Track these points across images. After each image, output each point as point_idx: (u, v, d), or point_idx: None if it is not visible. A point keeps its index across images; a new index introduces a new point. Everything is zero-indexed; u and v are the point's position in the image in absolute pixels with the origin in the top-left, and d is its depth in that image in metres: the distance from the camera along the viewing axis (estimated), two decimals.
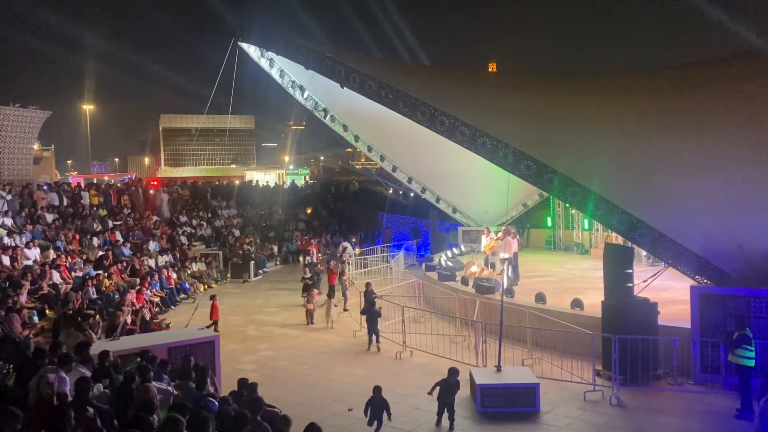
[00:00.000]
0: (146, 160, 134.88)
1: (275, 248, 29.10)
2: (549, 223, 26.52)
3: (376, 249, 26.22)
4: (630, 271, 11.44)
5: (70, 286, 15.80)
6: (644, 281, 12.24)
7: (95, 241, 20.56)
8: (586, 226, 24.31)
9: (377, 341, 14.18)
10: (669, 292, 14.47)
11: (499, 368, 10.90)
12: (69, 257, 17.79)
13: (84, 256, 18.78)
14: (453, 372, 9.62)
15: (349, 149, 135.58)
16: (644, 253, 18.44)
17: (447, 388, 9.55)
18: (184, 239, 25.52)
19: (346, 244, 25.30)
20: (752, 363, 9.73)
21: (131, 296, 15.66)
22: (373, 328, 14.21)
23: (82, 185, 29.01)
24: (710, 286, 11.39)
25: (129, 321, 14.25)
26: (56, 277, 16.13)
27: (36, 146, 34.43)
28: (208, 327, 14.64)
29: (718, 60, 21.81)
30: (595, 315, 12.31)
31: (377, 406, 9.05)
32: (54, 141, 42.18)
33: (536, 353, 12.46)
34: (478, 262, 19.21)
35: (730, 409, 9.77)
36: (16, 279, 14.70)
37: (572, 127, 15.37)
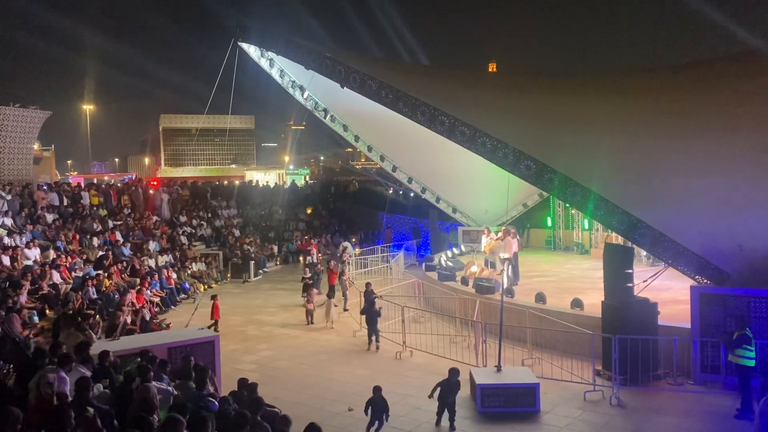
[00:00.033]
0: (146, 160, 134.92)
1: (275, 248, 29.10)
2: (549, 223, 26.52)
3: (376, 249, 26.21)
4: (630, 271, 11.43)
5: (70, 286, 15.80)
6: (644, 281, 12.24)
7: (95, 241, 20.56)
8: (586, 226, 24.31)
9: (377, 341, 14.19)
10: (669, 292, 14.48)
11: (499, 368, 10.90)
12: (69, 257, 17.79)
13: (84, 256, 18.78)
14: (454, 372, 9.61)
15: (349, 149, 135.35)
16: (644, 253, 18.43)
17: (448, 388, 9.54)
18: (184, 239, 25.52)
19: (346, 243, 25.30)
20: (752, 363, 9.73)
21: (131, 296, 15.67)
22: (372, 328, 14.22)
23: (82, 185, 29.00)
24: (710, 286, 11.41)
25: (129, 321, 14.25)
26: (56, 277, 16.13)
27: (36, 146, 34.40)
28: (209, 327, 14.67)
29: (718, 60, 21.82)
30: (595, 315, 12.31)
31: (378, 406, 9.06)
32: (54, 141, 42.17)
33: (536, 353, 12.46)
34: (478, 262, 19.21)
35: (730, 409, 9.77)
36: (16, 279, 14.71)
37: (572, 127, 15.37)
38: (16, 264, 16.40)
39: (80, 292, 15.16)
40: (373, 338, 14.21)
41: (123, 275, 18.53)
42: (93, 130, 72.07)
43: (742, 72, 18.22)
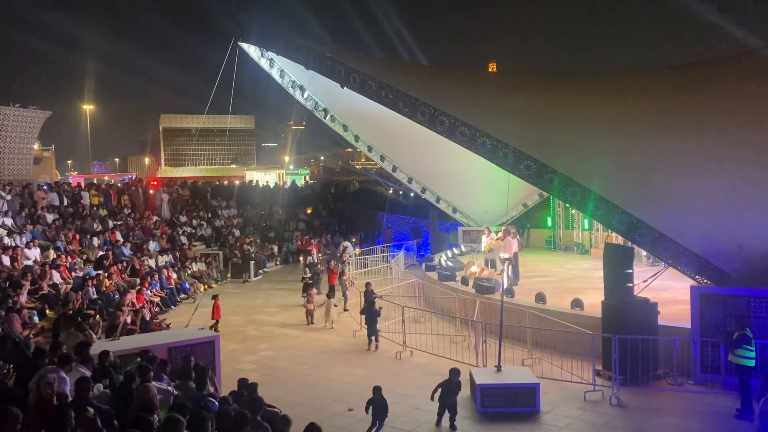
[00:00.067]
0: (146, 160, 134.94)
1: (275, 248, 29.10)
2: (549, 223, 26.52)
3: (376, 249, 26.21)
4: (630, 271, 11.44)
5: (70, 286, 15.80)
6: (644, 281, 12.24)
7: (95, 241, 20.57)
8: (586, 226, 24.31)
9: (376, 340, 14.19)
10: (669, 292, 14.48)
11: (499, 368, 10.90)
12: (69, 257, 17.79)
13: (84, 256, 18.78)
14: (454, 373, 9.61)
15: (349, 149, 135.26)
16: (644, 253, 18.44)
17: (449, 389, 9.54)
18: (184, 239, 25.52)
19: (346, 243, 25.30)
20: (752, 363, 9.73)
21: (131, 296, 15.67)
22: (372, 328, 14.22)
23: (82, 185, 29.01)
24: (710, 286, 11.40)
25: (129, 321, 14.25)
26: (56, 277, 16.13)
27: (36, 146, 34.37)
28: (210, 327, 14.67)
29: (718, 60, 21.81)
30: (595, 315, 12.32)
31: (378, 407, 9.06)
32: (54, 141, 42.10)
33: (536, 353, 12.46)
34: (478, 262, 19.21)
35: (730, 409, 9.77)
36: (16, 279, 14.71)
37: (572, 127, 15.36)
38: (16, 264, 16.40)
39: (80, 292, 15.16)
40: (373, 338, 14.21)
41: (123, 275, 18.53)
42: (93, 130, 72.13)
43: (742, 72, 18.22)
